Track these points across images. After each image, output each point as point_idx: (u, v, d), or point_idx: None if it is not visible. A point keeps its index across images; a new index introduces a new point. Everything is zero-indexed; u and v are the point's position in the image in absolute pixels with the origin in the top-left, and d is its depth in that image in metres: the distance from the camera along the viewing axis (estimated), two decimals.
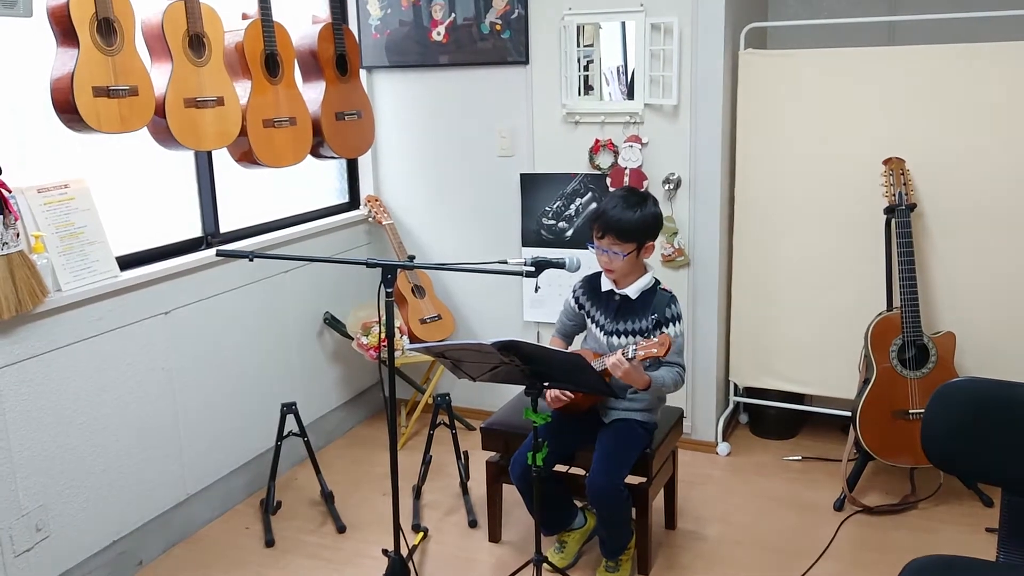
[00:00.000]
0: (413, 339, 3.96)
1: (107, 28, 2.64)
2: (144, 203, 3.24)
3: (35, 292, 2.61)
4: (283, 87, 3.30)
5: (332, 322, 3.98)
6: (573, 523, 3.07)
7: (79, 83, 2.56)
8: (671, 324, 2.77)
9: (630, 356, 2.55)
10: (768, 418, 4.02)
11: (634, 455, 2.83)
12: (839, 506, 3.38)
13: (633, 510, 2.88)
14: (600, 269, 2.89)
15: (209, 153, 3.41)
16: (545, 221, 3.96)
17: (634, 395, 2.86)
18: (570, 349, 3.02)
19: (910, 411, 3.27)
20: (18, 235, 2.56)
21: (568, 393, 2.81)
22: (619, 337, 2.82)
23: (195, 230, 3.42)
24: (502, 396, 3.88)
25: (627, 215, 2.72)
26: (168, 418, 3.19)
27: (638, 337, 2.78)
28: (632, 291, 2.81)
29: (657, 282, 2.86)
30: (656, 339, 2.54)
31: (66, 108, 2.58)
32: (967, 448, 2.09)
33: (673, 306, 2.80)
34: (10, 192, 2.54)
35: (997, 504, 3.18)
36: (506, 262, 2.59)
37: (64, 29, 2.57)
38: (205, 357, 3.33)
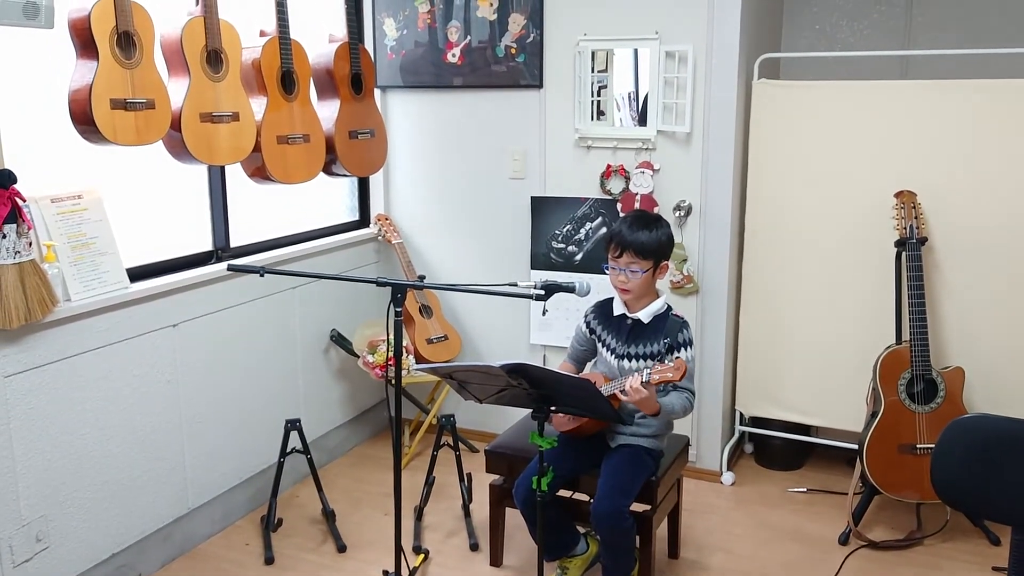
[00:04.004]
0: (419, 359, 3.96)
1: (127, 41, 2.66)
2: (156, 216, 3.25)
3: (45, 301, 2.62)
4: (298, 104, 3.32)
5: (338, 339, 3.98)
6: (576, 549, 3.04)
7: (97, 95, 2.57)
8: (683, 349, 2.77)
9: (645, 380, 2.54)
10: (773, 449, 4.00)
11: (640, 482, 2.81)
12: (844, 540, 3.35)
13: (637, 538, 2.86)
14: (612, 295, 2.90)
15: (222, 168, 3.43)
16: (555, 244, 3.96)
17: (641, 420, 2.85)
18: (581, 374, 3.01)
19: (918, 446, 3.24)
20: (30, 244, 2.57)
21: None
22: (630, 361, 2.82)
23: (206, 244, 3.43)
24: (507, 419, 3.86)
25: (644, 233, 2.76)
26: (172, 431, 3.18)
27: (650, 361, 2.77)
28: (644, 315, 2.82)
29: (669, 308, 2.86)
30: (672, 363, 2.53)
31: (83, 119, 2.59)
32: (977, 485, 2.07)
33: (685, 331, 2.80)
34: (24, 201, 2.55)
35: (1004, 542, 3.15)
36: (516, 284, 2.59)
37: (84, 41, 2.59)
38: (211, 371, 3.33)
